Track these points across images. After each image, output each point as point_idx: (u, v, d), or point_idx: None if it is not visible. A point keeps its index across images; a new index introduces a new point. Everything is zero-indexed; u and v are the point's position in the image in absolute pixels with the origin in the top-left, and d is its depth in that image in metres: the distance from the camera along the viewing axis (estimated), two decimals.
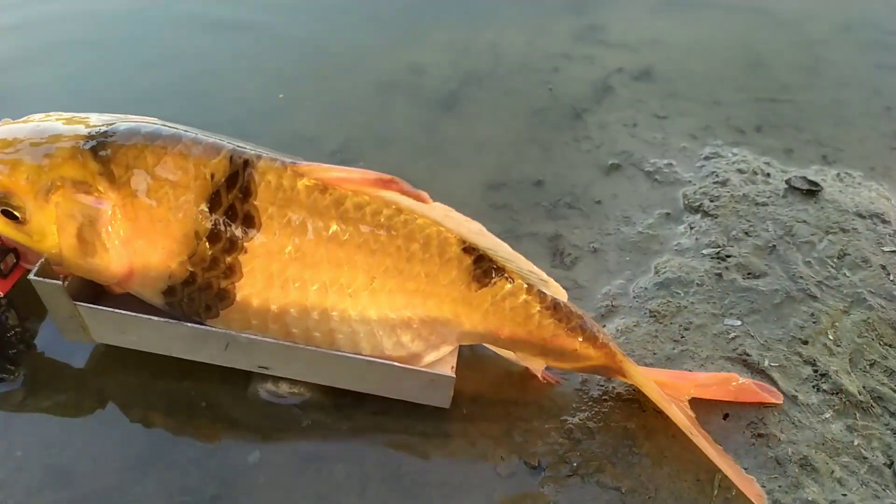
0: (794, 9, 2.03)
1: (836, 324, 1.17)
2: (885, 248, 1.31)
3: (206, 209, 0.93)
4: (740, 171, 1.47)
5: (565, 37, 1.87)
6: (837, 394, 1.07)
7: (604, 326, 1.15)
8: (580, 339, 0.99)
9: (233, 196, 0.93)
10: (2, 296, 1.01)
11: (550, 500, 0.94)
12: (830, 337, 1.15)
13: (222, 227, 0.93)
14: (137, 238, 0.94)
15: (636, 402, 1.05)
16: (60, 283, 0.94)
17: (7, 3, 1.86)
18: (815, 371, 1.10)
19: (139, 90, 1.59)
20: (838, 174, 1.48)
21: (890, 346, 1.14)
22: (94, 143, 0.94)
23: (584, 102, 1.65)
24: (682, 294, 1.21)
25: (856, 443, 1.02)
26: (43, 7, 1.86)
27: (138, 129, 0.96)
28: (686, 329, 1.16)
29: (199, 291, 0.96)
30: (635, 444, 1.00)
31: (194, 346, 0.99)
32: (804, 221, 1.35)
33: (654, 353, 1.12)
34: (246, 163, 0.93)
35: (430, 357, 1.00)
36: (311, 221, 0.93)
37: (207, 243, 0.94)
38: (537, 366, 1.04)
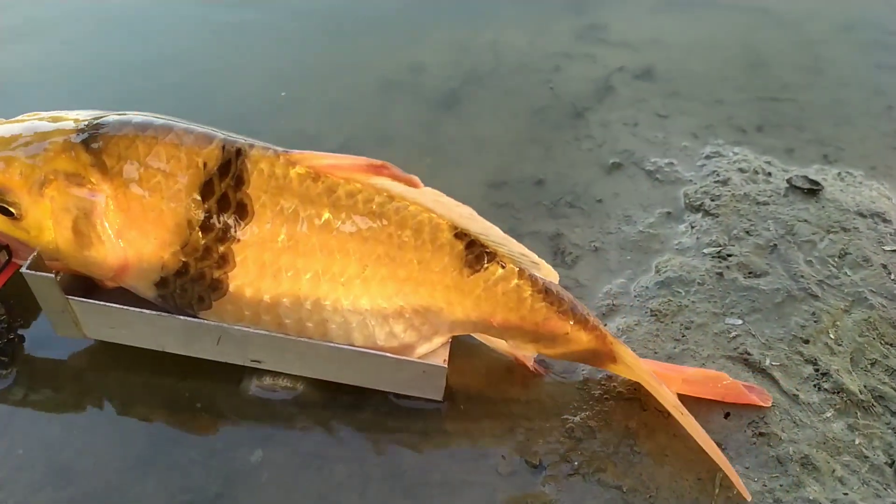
0: (794, 8, 2.03)
1: (838, 323, 1.17)
2: (886, 248, 1.31)
3: (199, 198, 0.93)
4: (741, 170, 1.47)
5: (566, 36, 1.87)
6: (838, 393, 1.07)
7: (605, 326, 1.15)
8: (571, 323, 0.99)
9: (225, 185, 0.93)
10: None
11: (551, 499, 0.94)
12: (831, 336, 1.15)
13: (215, 217, 0.93)
14: (130, 228, 0.94)
15: (637, 400, 1.05)
16: (53, 276, 0.94)
17: (7, 3, 1.86)
18: (817, 370, 1.10)
19: (140, 89, 1.60)
20: (839, 173, 1.48)
21: (891, 345, 1.14)
22: (85, 135, 0.94)
23: (586, 101, 1.65)
24: (683, 293, 1.21)
25: (857, 442, 1.02)
26: (43, 6, 1.86)
27: (129, 120, 0.96)
28: (687, 328, 1.16)
29: (191, 282, 0.96)
30: (636, 443, 1.00)
31: (187, 340, 0.99)
32: (805, 221, 1.35)
33: (656, 352, 1.12)
34: (238, 151, 0.93)
35: (422, 349, 1.00)
36: (304, 210, 0.93)
37: (200, 232, 0.94)
38: (528, 353, 1.04)
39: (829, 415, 1.05)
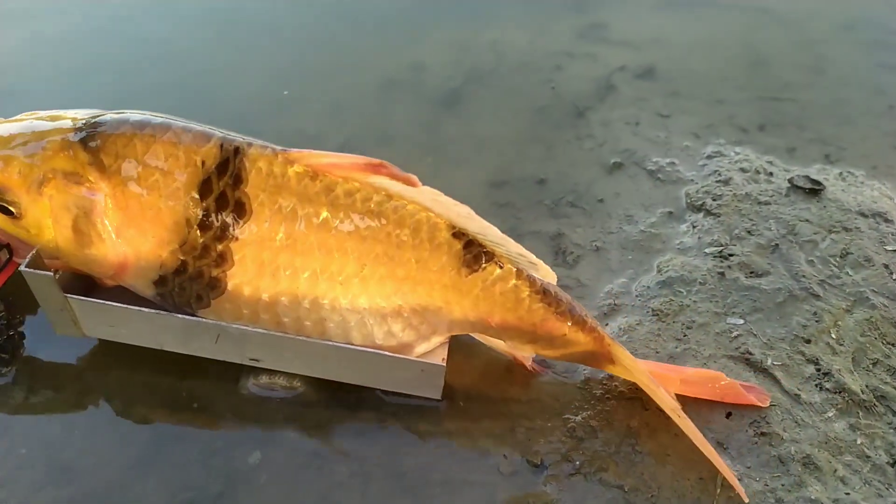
0: (795, 8, 2.03)
1: (839, 323, 1.17)
2: (888, 247, 1.31)
3: (197, 196, 0.93)
4: (743, 169, 1.47)
5: (568, 35, 1.87)
6: (840, 392, 1.07)
7: (606, 325, 1.15)
8: (569, 324, 0.99)
9: (224, 183, 0.93)
10: None
11: (553, 499, 0.94)
12: (833, 336, 1.15)
13: (213, 215, 0.93)
14: (129, 227, 0.94)
15: (639, 400, 1.05)
16: (52, 274, 0.94)
17: (7, 3, 1.86)
18: (818, 370, 1.10)
19: (141, 88, 1.59)
20: (841, 173, 1.48)
21: (892, 344, 1.14)
22: (83, 134, 0.94)
23: (587, 101, 1.65)
24: (685, 293, 1.21)
25: (858, 441, 1.01)
26: (43, 6, 1.86)
27: (127, 118, 0.96)
28: (688, 328, 1.16)
29: (190, 281, 0.96)
30: (638, 443, 1.00)
31: (185, 338, 0.98)
32: (807, 220, 1.35)
33: (657, 352, 1.12)
34: (237, 150, 0.93)
35: (420, 348, 1.00)
36: (302, 208, 0.93)
37: (198, 231, 0.93)
38: (526, 354, 1.04)
39: (830, 414, 1.05)
